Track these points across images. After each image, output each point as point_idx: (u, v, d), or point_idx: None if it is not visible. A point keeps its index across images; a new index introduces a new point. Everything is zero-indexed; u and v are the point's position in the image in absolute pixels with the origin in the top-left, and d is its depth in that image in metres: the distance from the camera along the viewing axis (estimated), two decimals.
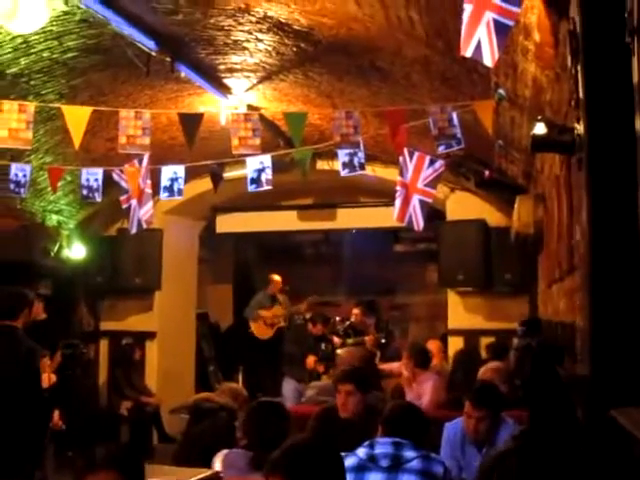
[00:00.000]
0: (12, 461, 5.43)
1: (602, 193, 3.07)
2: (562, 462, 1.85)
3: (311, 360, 10.10)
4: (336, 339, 11.26)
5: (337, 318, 12.20)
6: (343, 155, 6.58)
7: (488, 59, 3.07)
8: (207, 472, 3.69)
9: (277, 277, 11.70)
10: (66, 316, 10.40)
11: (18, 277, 8.09)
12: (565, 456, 1.88)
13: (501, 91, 5.55)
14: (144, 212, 7.08)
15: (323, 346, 10.68)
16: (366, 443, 4.04)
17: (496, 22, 3.01)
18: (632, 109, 2.78)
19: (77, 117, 5.80)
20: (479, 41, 3.07)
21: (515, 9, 3.01)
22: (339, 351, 10.00)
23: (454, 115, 5.91)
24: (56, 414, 6.80)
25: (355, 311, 11.74)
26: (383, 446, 3.98)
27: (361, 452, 3.98)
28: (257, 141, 6.14)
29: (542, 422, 3.72)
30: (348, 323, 11.65)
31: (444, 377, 7.66)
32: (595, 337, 3.09)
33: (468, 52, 3.12)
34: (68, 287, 10.47)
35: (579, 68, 3.31)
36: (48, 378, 7.83)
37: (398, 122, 6.07)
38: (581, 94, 3.26)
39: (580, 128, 3.29)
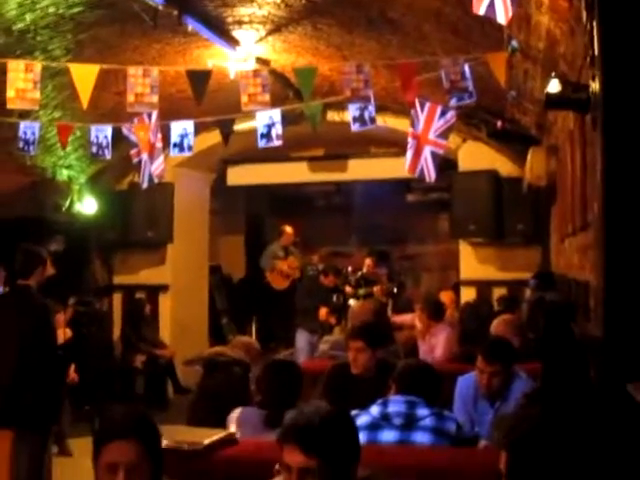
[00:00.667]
0: (30, 416, 5.50)
1: (617, 153, 3.03)
2: (578, 429, 1.85)
3: (323, 312, 10.14)
4: (348, 290, 11.30)
5: (349, 269, 12.22)
6: (354, 109, 6.50)
7: (502, 17, 3.01)
8: (222, 433, 3.71)
9: (289, 229, 11.68)
10: (79, 271, 10.45)
11: (30, 233, 8.12)
12: (580, 423, 1.88)
13: (514, 43, 5.46)
14: (155, 167, 7.07)
15: (335, 297, 10.72)
16: (379, 401, 4.06)
17: None
18: None
19: (84, 75, 5.74)
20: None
21: None
22: (351, 304, 10.04)
23: (466, 67, 5.82)
24: (71, 369, 6.86)
25: (367, 261, 11.76)
26: (396, 404, 4.00)
27: (374, 410, 4.01)
28: (267, 97, 6.07)
29: (556, 380, 3.72)
30: (360, 274, 11.66)
31: (457, 329, 7.67)
32: (609, 298, 3.07)
33: (481, 10, 3.06)
34: (80, 242, 10.50)
35: (594, 23, 3.24)
36: (63, 333, 7.93)
37: (409, 75, 5.99)
38: (596, 50, 3.19)
39: (595, 86, 3.24)
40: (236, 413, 4.34)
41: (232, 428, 4.14)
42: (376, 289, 10.95)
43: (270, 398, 4.27)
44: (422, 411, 3.96)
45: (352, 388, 5.12)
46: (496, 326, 5.92)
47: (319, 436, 2.51)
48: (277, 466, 2.58)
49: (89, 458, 2.77)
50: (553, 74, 3.77)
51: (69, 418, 7.61)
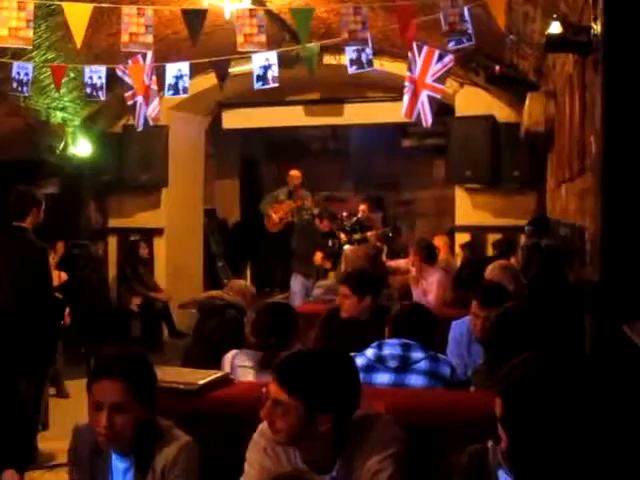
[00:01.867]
0: (26, 358, 5.53)
1: (617, 97, 3.00)
2: (574, 372, 1.86)
3: (318, 256, 10.15)
4: (343, 235, 11.32)
5: (344, 214, 12.24)
6: (351, 52, 6.42)
7: None
8: (217, 374, 3.73)
9: (295, 172, 11.58)
10: (74, 214, 10.42)
11: (25, 176, 8.07)
12: (576, 366, 1.89)
13: None
14: (151, 109, 6.99)
15: (330, 242, 10.74)
16: (375, 344, 4.08)
17: None
18: None
19: (78, 14, 5.65)
20: None
21: None
22: (345, 249, 10.06)
23: (465, 10, 5.74)
24: (66, 311, 6.88)
25: (362, 207, 11.79)
26: (391, 347, 4.02)
27: (370, 353, 4.03)
28: (263, 38, 5.99)
29: (547, 322, 3.73)
30: (355, 219, 11.71)
31: (451, 273, 7.69)
32: (606, 242, 3.07)
33: None
34: (75, 185, 10.45)
35: None
36: (58, 276, 7.94)
37: (408, 17, 5.90)
38: None
39: (597, 28, 3.19)
40: (230, 355, 4.36)
41: (227, 370, 4.16)
42: (370, 234, 10.98)
43: (265, 340, 4.29)
44: (417, 354, 3.98)
45: (347, 332, 5.13)
46: (491, 271, 5.92)
47: (293, 371, 2.56)
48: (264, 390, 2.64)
49: (86, 399, 2.81)
50: (554, 16, 3.71)
51: (62, 359, 7.66)
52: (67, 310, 6.91)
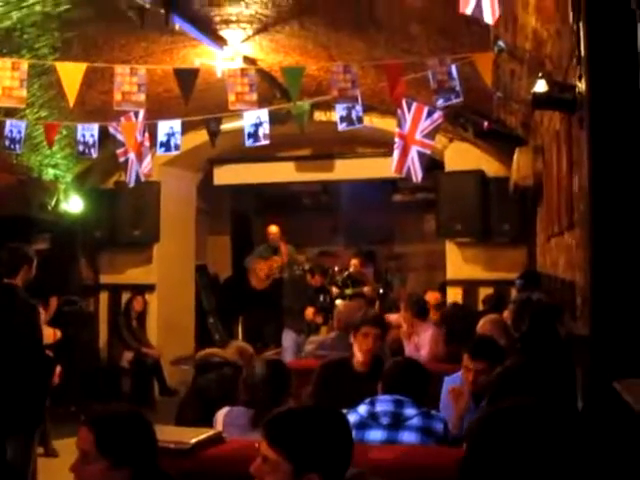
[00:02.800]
0: (14, 420, 5.47)
1: (603, 153, 3.04)
2: (562, 427, 1.83)
3: (310, 311, 10.15)
4: (334, 290, 11.32)
5: (335, 268, 12.25)
6: (341, 109, 6.52)
7: (489, 17, 3.02)
8: (209, 432, 3.70)
9: (273, 228, 11.68)
10: (65, 270, 10.40)
11: (16, 232, 8.09)
12: (565, 421, 1.87)
13: (501, 43, 5.48)
14: (144, 166, 7.06)
15: (322, 297, 10.73)
16: (367, 400, 4.07)
17: None
18: (636, 70, 2.74)
19: (71, 74, 5.72)
20: None
21: None
22: (338, 303, 10.06)
23: (453, 68, 5.84)
24: (57, 371, 6.81)
25: (354, 261, 11.80)
26: (384, 404, 4.01)
27: (362, 409, 4.01)
28: (254, 97, 6.07)
29: (538, 377, 3.73)
30: (347, 273, 11.70)
31: (443, 329, 7.67)
32: (595, 297, 3.08)
33: (468, 10, 3.07)
34: (66, 241, 10.45)
35: (580, 24, 3.26)
36: (53, 334, 7.89)
37: (396, 75, 5.99)
38: (582, 51, 3.21)
39: (581, 86, 3.25)
40: (223, 412, 4.33)
41: (219, 427, 4.13)
42: (366, 289, 10.99)
43: (256, 397, 4.26)
44: (410, 410, 3.97)
45: (344, 384, 5.11)
46: (482, 326, 5.93)
47: (281, 429, 2.54)
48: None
49: (75, 458, 2.81)
50: (540, 74, 3.78)
51: (51, 417, 7.57)
52: (58, 369, 6.84)
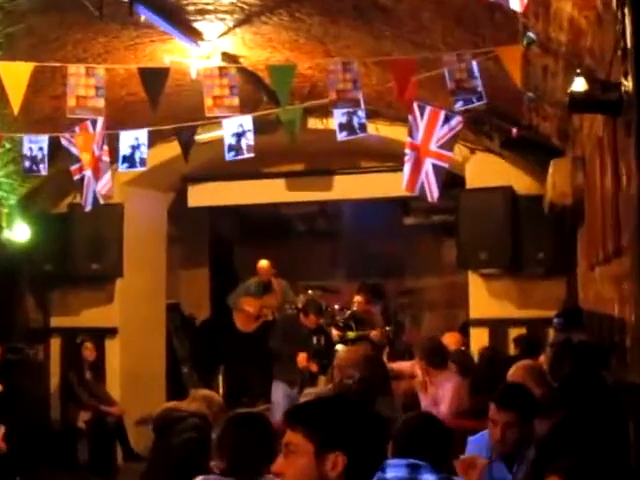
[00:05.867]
0: None
1: None
2: None
3: (302, 358, 10.07)
4: (335, 332, 11.29)
5: (336, 307, 12.23)
6: (340, 115, 6.53)
7: (516, 3, 3.04)
8: None
9: (264, 262, 11.72)
10: (9, 311, 10.38)
11: None
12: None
13: (531, 35, 5.51)
14: (102, 185, 7.06)
15: (315, 340, 10.68)
16: None
17: None
18: None
19: (16, 75, 5.74)
20: None
21: None
22: (339, 349, 10.03)
23: (474, 64, 5.87)
24: (0, 432, 6.79)
25: (357, 298, 11.78)
26: (396, 469, 3.92)
27: None
28: (235, 101, 6.09)
29: (582, 437, 3.72)
30: (349, 313, 11.69)
31: (466, 379, 7.66)
32: None
33: None
34: (10, 276, 10.43)
35: (626, 10, 3.28)
36: None
37: (406, 74, 6.02)
38: (629, 42, 3.23)
39: (628, 84, 3.27)
40: None
41: None
42: (374, 333, 10.95)
43: (234, 462, 4.22)
44: (427, 477, 3.94)
45: None
46: (513, 373, 5.91)
47: (300, 410, 2.77)
48: None
49: None
50: (578, 71, 3.81)
51: None
52: (1, 430, 6.82)
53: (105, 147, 6.97)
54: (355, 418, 2.71)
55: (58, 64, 6.46)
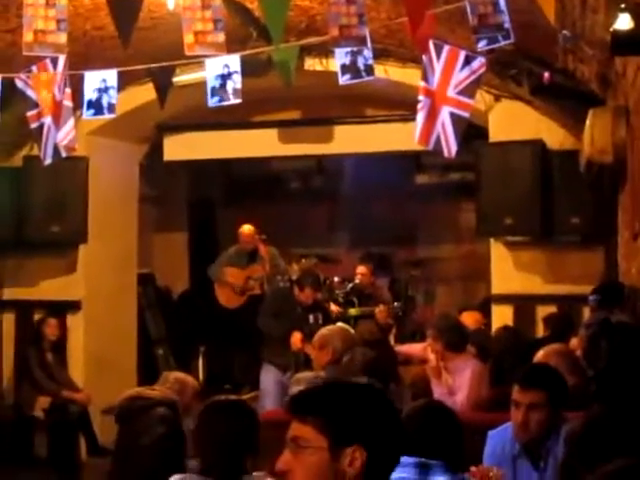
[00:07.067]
0: None
1: None
2: None
3: (297, 338, 10.04)
4: (334, 308, 11.30)
5: (335, 279, 12.25)
6: (342, 55, 6.51)
7: None
8: None
9: (246, 227, 11.72)
10: None
11: None
12: None
13: None
14: (64, 135, 7.03)
15: (312, 318, 10.66)
16: None
17: None
18: None
19: None
20: None
21: None
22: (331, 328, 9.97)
23: None
24: None
25: (361, 269, 11.79)
26: (404, 469, 4.00)
27: None
28: (220, 37, 6.05)
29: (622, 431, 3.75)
30: (351, 286, 11.70)
31: (487, 364, 7.69)
32: None
33: None
34: None
35: None
36: None
37: (420, 6, 5.99)
38: None
39: None
40: None
41: None
42: (379, 310, 10.94)
43: (214, 460, 4.24)
44: (439, 478, 3.97)
45: None
46: (542, 358, 5.95)
47: (311, 397, 2.72)
48: None
49: None
50: (622, 5, 3.80)
51: None
52: None
53: (67, 90, 6.93)
54: (375, 406, 2.69)
55: None
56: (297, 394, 2.77)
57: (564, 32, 6.95)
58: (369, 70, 6.60)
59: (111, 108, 7.00)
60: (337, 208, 14.87)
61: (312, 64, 9.56)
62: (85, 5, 7.79)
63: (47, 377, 10.43)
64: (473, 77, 6.47)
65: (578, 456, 3.69)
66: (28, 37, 5.98)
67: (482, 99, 9.11)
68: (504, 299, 9.94)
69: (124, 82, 7.41)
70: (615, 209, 8.60)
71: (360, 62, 6.52)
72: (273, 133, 11.54)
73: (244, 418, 4.42)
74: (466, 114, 6.56)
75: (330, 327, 8.21)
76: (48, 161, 7.13)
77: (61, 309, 10.82)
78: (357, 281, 11.66)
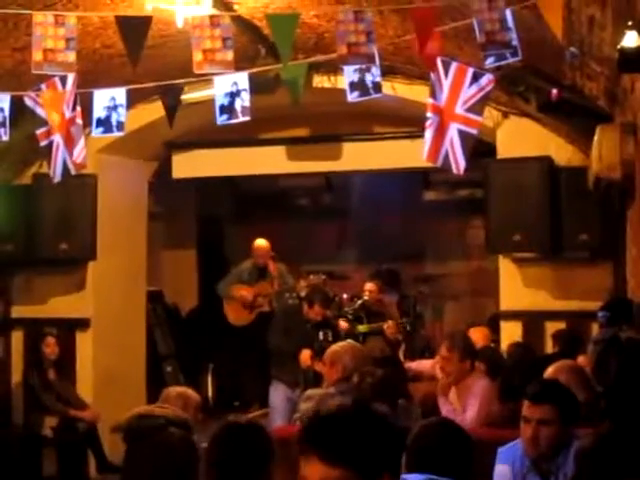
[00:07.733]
0: None
1: None
2: None
3: (306, 355, 10.04)
4: (343, 324, 11.28)
5: (344, 296, 12.24)
6: (351, 72, 6.53)
7: None
8: None
9: (262, 242, 11.71)
10: None
11: None
12: None
13: None
14: (76, 153, 7.05)
15: (321, 334, 10.65)
16: None
17: None
18: None
19: None
20: None
21: None
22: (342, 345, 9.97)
23: (508, 13, 5.86)
24: None
25: (369, 286, 11.77)
26: None
27: None
28: (229, 55, 6.09)
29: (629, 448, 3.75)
30: (360, 303, 11.68)
31: (496, 381, 7.68)
32: None
33: None
34: None
35: None
36: None
37: (428, 24, 6.02)
38: None
39: None
40: None
41: None
42: (387, 326, 10.94)
43: None
44: None
45: None
46: (553, 374, 5.94)
47: (335, 435, 2.60)
48: None
49: None
50: (629, 23, 3.81)
51: None
52: None
53: (77, 108, 6.95)
54: (393, 434, 2.68)
55: (22, 11, 6.45)
56: (320, 437, 2.63)
57: (572, 49, 6.96)
58: (377, 87, 6.63)
59: (120, 126, 7.02)
60: (345, 225, 14.85)
61: (320, 81, 9.58)
62: (94, 23, 7.81)
63: (53, 398, 10.41)
64: (481, 94, 6.48)
65: (588, 473, 3.70)
66: (37, 56, 6.01)
67: (490, 116, 9.11)
68: (513, 315, 9.92)
69: (133, 100, 7.44)
70: (623, 225, 8.60)
71: (368, 79, 6.55)
72: (281, 150, 11.55)
73: (257, 439, 4.41)
74: (474, 131, 6.58)
75: (341, 344, 8.21)
76: (58, 179, 7.16)
77: (70, 327, 10.82)
78: (366, 297, 11.64)
